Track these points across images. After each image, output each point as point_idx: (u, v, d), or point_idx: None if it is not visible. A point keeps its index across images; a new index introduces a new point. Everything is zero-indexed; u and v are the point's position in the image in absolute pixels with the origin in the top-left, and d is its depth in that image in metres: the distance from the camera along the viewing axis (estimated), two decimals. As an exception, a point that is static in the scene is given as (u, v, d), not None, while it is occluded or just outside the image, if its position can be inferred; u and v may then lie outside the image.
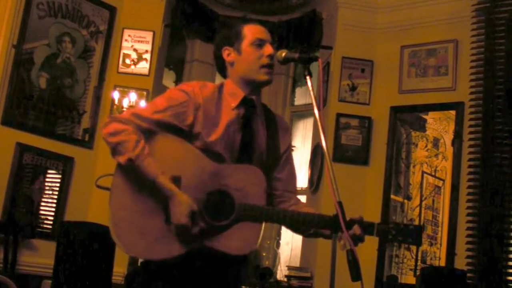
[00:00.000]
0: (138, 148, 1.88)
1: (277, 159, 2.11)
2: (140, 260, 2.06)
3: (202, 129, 1.97)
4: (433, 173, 5.08)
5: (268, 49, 2.03)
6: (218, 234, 1.87)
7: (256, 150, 2.04)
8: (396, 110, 4.86)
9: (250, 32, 2.06)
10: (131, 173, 1.91)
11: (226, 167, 1.96)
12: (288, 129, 2.22)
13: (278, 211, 1.94)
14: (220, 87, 2.07)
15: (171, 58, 5.82)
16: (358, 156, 4.88)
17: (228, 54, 2.07)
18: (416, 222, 4.93)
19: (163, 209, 1.87)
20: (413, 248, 4.80)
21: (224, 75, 2.13)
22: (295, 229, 2.13)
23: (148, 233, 1.86)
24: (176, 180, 1.89)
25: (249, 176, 1.94)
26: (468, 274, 4.00)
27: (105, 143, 1.94)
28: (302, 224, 1.96)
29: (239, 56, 2.05)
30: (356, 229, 1.86)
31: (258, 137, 2.06)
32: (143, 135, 1.93)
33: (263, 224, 1.94)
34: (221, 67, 2.13)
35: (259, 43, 2.04)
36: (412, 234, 1.92)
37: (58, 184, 4.61)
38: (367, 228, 1.91)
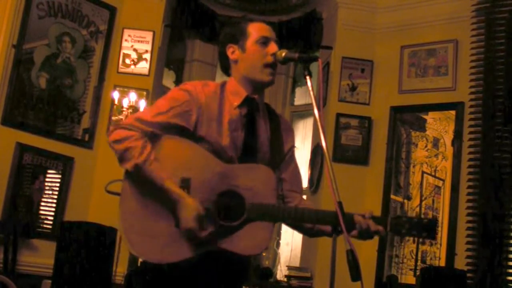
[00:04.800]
0: (144, 154, 1.87)
1: (281, 159, 2.10)
2: (140, 260, 2.05)
3: (207, 129, 1.95)
4: (433, 173, 5.08)
5: (273, 47, 2.01)
6: (230, 235, 1.86)
7: (259, 149, 2.03)
8: (396, 110, 4.86)
9: (255, 30, 2.03)
10: (140, 178, 1.90)
11: (235, 167, 1.94)
12: (291, 129, 2.20)
13: (289, 209, 1.93)
14: (223, 85, 2.05)
15: (171, 58, 5.82)
16: (358, 156, 4.88)
17: (232, 51, 2.05)
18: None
19: (173, 212, 1.86)
20: (413, 248, 4.80)
21: (228, 74, 2.11)
22: (300, 228, 2.11)
23: (158, 236, 1.85)
24: (186, 182, 1.87)
25: (258, 175, 1.93)
26: (468, 274, 4.00)
27: (112, 150, 1.92)
28: (315, 221, 1.95)
29: (243, 54, 2.03)
30: (372, 225, 1.85)
31: (260, 136, 2.05)
32: (149, 140, 1.91)
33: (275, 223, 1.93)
34: (225, 65, 2.11)
35: (264, 41, 2.01)
36: (427, 228, 1.89)
37: (58, 184, 4.61)
38: (380, 222, 1.89)
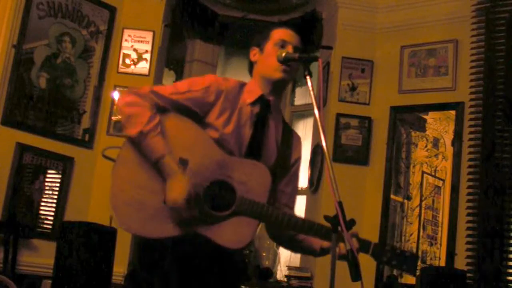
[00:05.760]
0: (152, 124, 1.90)
1: (286, 169, 2.13)
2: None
3: (215, 119, 1.99)
4: (433, 173, 5.09)
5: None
6: (214, 224, 1.88)
7: (265, 150, 2.05)
8: (396, 110, 4.86)
9: (277, 33, 2.12)
10: (139, 148, 1.92)
11: (234, 160, 1.97)
12: (300, 143, 2.24)
13: (277, 212, 1.95)
14: (242, 84, 2.12)
15: (171, 58, 5.82)
16: (358, 156, 4.88)
17: (254, 54, 2.14)
18: (416, 222, 4.94)
19: (163, 189, 1.88)
20: (413, 248, 4.80)
21: (252, 75, 2.18)
22: (286, 241, 2.13)
23: (144, 209, 1.88)
24: (184, 163, 1.90)
25: (255, 172, 1.96)
26: (468, 274, 4.00)
27: (120, 113, 1.95)
28: (300, 229, 1.97)
29: (261, 55, 2.11)
30: (355, 243, 1.86)
31: (269, 137, 2.08)
32: (158, 113, 1.94)
33: (260, 223, 1.95)
34: (250, 68, 2.19)
35: (282, 44, 2.08)
36: (408, 262, 1.92)
37: (58, 184, 4.61)
38: (363, 245, 1.91)
